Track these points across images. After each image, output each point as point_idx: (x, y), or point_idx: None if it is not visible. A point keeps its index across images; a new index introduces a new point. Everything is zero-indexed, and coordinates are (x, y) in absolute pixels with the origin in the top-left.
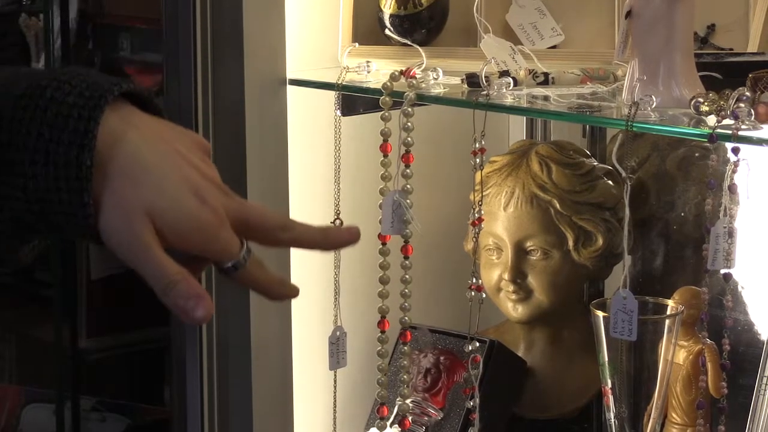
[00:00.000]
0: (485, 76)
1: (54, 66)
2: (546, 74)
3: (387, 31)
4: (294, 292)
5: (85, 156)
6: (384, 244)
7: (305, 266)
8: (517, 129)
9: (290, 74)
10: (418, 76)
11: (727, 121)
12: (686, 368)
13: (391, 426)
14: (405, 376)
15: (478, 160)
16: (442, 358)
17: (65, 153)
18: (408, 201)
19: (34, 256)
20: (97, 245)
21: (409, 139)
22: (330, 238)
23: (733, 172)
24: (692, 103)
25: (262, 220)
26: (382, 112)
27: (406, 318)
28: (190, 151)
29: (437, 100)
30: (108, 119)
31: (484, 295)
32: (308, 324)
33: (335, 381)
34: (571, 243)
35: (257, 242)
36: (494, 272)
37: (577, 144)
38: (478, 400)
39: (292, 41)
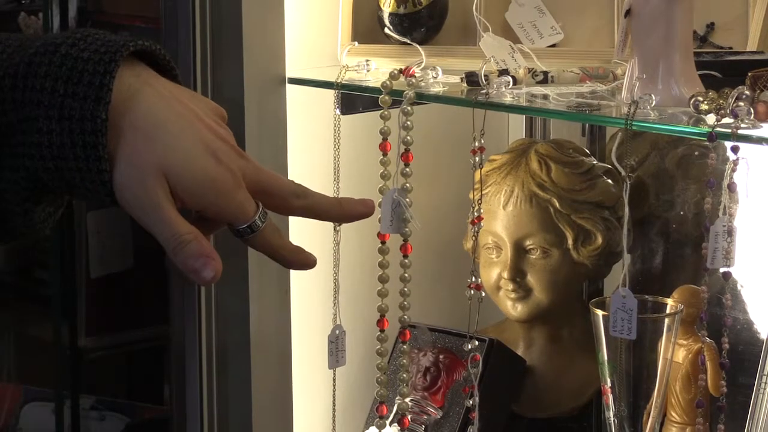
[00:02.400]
0: (485, 75)
1: None
2: (545, 73)
3: (386, 30)
4: (311, 260)
5: (100, 110)
6: (383, 242)
7: None
8: (516, 128)
9: (289, 73)
10: (417, 75)
11: (726, 120)
12: (686, 367)
13: (390, 425)
14: (404, 375)
15: (477, 158)
16: (441, 356)
17: (80, 107)
18: (407, 200)
19: (50, 225)
20: (110, 205)
21: (408, 137)
22: (344, 209)
23: (733, 170)
24: (692, 101)
25: (277, 185)
26: (382, 111)
27: (406, 317)
28: (206, 113)
29: (437, 98)
30: (123, 75)
31: (483, 294)
32: (307, 322)
33: (334, 380)
34: (570, 242)
35: (271, 209)
36: (493, 271)
37: (577, 143)
38: (477, 399)
39: (291, 40)
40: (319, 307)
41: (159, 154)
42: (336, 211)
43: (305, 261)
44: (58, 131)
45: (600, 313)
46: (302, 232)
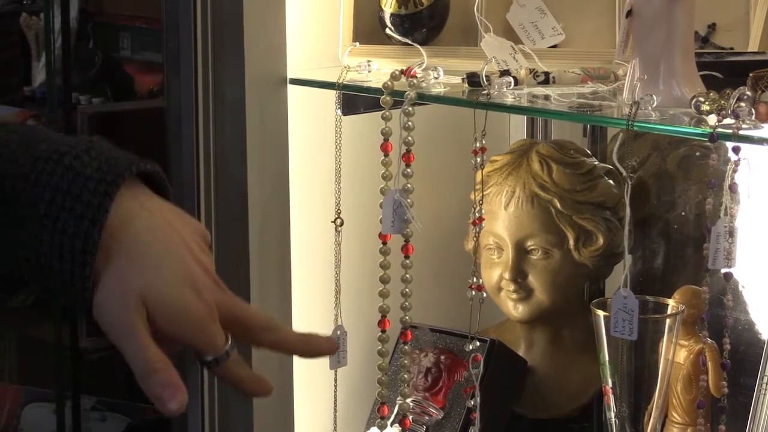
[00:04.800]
0: (486, 76)
1: (54, 65)
2: (547, 73)
3: (388, 31)
4: (268, 390)
5: (94, 231)
6: (384, 243)
7: (306, 265)
8: (517, 128)
9: (291, 73)
10: (418, 76)
11: (727, 121)
12: (687, 367)
13: (391, 425)
14: (405, 376)
15: (478, 159)
16: (442, 357)
17: (76, 224)
18: (408, 200)
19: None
20: (83, 316)
21: (409, 138)
22: (310, 346)
23: (734, 171)
24: (693, 102)
25: (249, 319)
26: (383, 112)
27: (407, 317)
28: (193, 239)
29: (438, 99)
30: (122, 196)
31: (484, 295)
32: (309, 323)
33: (336, 380)
34: (571, 242)
35: (240, 339)
36: (495, 271)
37: (578, 143)
38: (478, 400)
39: (292, 40)
40: (321, 307)
41: (143, 282)
42: (302, 348)
43: (264, 391)
44: (49, 242)
45: (601, 313)
46: (302, 231)
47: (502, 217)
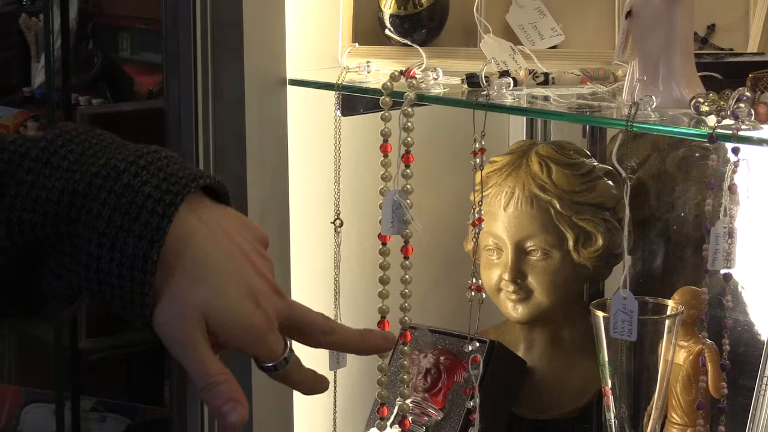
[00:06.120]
0: (485, 76)
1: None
2: (546, 74)
3: (387, 32)
4: (325, 386)
5: (153, 252)
6: (384, 244)
7: (305, 266)
8: (517, 129)
9: (290, 74)
10: (418, 77)
11: (727, 122)
12: (686, 368)
13: (391, 426)
14: (405, 376)
15: (478, 160)
16: (442, 358)
17: (134, 244)
18: (408, 201)
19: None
20: (144, 327)
21: (409, 139)
22: (366, 342)
23: (733, 172)
24: (692, 103)
25: (308, 323)
26: (382, 113)
27: (406, 318)
28: (252, 246)
29: (437, 100)
30: (181, 212)
31: (484, 296)
32: None
33: (335, 381)
34: (571, 243)
35: (298, 341)
36: (494, 272)
37: (577, 144)
38: (478, 400)
39: (292, 41)
40: (320, 308)
41: (203, 296)
42: (358, 344)
43: (321, 388)
44: (108, 259)
45: (601, 314)
46: (302, 232)
47: (502, 217)
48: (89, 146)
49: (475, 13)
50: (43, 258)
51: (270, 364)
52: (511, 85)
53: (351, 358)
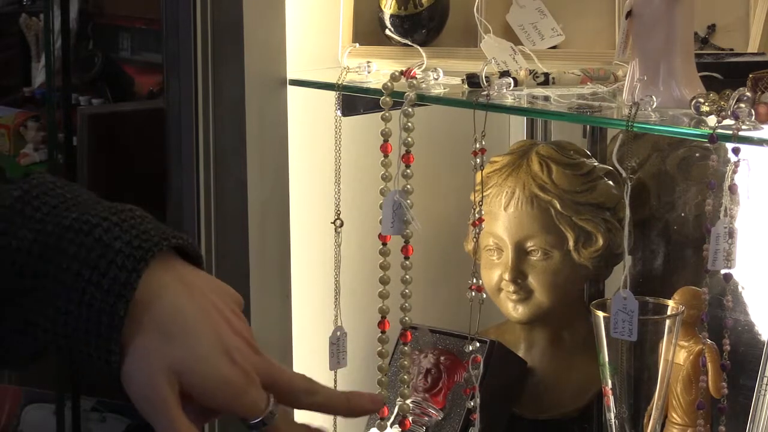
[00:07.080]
0: (485, 77)
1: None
2: (546, 74)
3: (387, 32)
4: None
5: (120, 306)
6: (384, 244)
7: (305, 266)
8: (517, 129)
9: (291, 74)
10: (418, 77)
11: (727, 122)
12: (686, 368)
13: (391, 426)
14: (405, 377)
15: (478, 160)
16: (442, 358)
17: (102, 299)
18: (408, 201)
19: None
20: (111, 385)
21: (409, 139)
22: (352, 405)
23: (734, 172)
24: (692, 103)
25: (288, 382)
26: (383, 113)
27: (407, 318)
28: (226, 305)
29: (437, 100)
30: (154, 268)
31: (484, 296)
32: (308, 324)
33: (335, 381)
34: (571, 243)
35: (280, 402)
36: (495, 272)
37: (578, 144)
38: (478, 401)
39: (292, 41)
40: (321, 308)
41: (174, 354)
42: (344, 407)
43: None
44: (76, 315)
45: (601, 314)
46: (302, 232)
47: (502, 218)
48: (63, 200)
49: (476, 13)
50: None
51: (257, 420)
52: (512, 85)
53: (351, 357)
